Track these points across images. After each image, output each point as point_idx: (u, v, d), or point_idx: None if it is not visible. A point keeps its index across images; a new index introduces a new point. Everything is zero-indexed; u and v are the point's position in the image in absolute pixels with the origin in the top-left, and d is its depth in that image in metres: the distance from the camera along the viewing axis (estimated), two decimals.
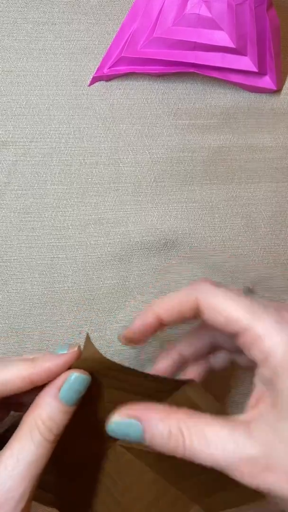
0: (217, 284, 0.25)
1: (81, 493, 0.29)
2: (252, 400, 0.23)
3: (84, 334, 0.36)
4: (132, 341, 0.26)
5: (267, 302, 0.24)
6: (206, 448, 0.21)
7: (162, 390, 0.26)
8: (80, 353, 0.25)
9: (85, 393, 0.25)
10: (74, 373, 0.24)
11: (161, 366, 0.29)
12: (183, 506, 0.28)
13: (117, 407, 0.24)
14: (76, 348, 0.25)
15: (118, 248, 0.36)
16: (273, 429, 0.21)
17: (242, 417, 0.22)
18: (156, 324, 0.25)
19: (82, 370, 0.25)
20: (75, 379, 0.24)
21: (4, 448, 0.23)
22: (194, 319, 0.25)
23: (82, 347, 0.25)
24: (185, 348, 0.29)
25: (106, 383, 0.26)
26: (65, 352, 0.25)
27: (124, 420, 0.23)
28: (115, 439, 0.26)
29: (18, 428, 0.24)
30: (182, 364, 0.29)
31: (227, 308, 0.23)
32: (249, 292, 0.26)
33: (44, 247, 0.36)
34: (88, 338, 0.25)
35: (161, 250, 0.37)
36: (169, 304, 0.25)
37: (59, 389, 0.24)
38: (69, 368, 0.25)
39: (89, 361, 0.25)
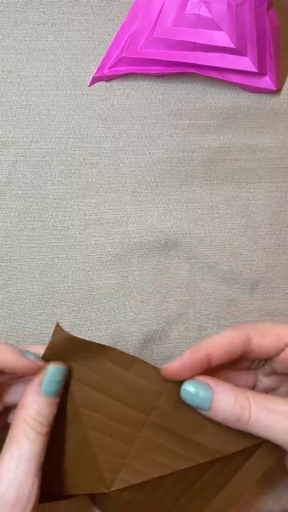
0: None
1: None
2: None
3: (84, 334, 0.36)
4: (175, 376, 0.26)
5: None
6: (268, 421, 0.24)
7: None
8: (39, 368, 0.26)
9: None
10: (50, 365, 0.26)
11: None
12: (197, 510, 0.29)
13: (96, 390, 0.26)
14: (40, 363, 0.26)
15: (118, 248, 0.36)
16: None
17: None
18: (203, 365, 0.26)
19: (58, 362, 0.26)
20: (54, 371, 0.26)
21: (2, 451, 0.25)
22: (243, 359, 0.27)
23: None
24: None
25: (81, 364, 0.27)
26: (32, 359, 0.26)
27: (196, 383, 0.25)
28: (110, 483, 0.28)
29: (10, 430, 0.25)
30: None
31: (277, 329, 0.25)
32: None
33: (44, 247, 0.36)
34: (57, 325, 0.26)
35: (161, 250, 0.37)
36: (221, 343, 0.26)
37: (39, 385, 0.26)
38: (43, 358, 0.26)
39: (61, 345, 0.26)
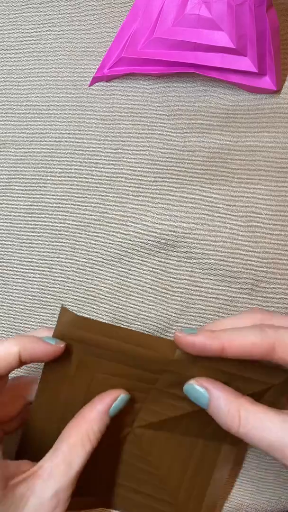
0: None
1: (111, 480, 0.32)
2: None
3: None
4: (184, 348, 0.27)
5: None
6: (259, 432, 0.24)
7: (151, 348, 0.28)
8: (63, 350, 0.27)
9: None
10: (122, 394, 0.28)
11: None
12: (214, 449, 0.31)
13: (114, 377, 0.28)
14: (62, 345, 0.27)
15: (118, 248, 0.36)
16: None
17: None
18: (214, 354, 0.26)
19: (125, 391, 0.28)
20: (123, 398, 0.28)
21: (53, 453, 0.26)
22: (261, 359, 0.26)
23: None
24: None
25: (90, 342, 0.28)
26: (53, 343, 0.27)
27: (196, 387, 0.27)
28: (131, 424, 0.30)
29: (66, 437, 0.27)
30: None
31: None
32: None
33: (45, 247, 0.36)
34: (63, 308, 0.27)
35: (161, 250, 0.37)
36: (240, 343, 0.25)
37: (109, 407, 0.27)
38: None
39: (69, 326, 0.27)
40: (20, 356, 0.26)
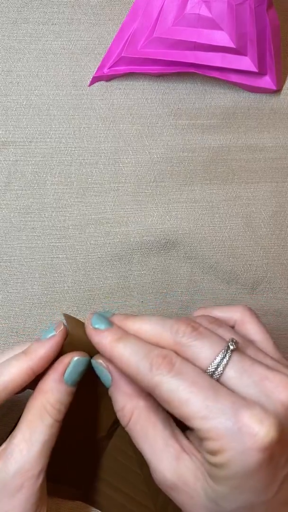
0: (177, 367, 0.22)
1: (94, 474, 0.31)
2: (196, 441, 0.24)
3: None
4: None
5: (227, 397, 0.21)
6: (141, 441, 0.24)
7: None
8: (66, 330, 0.26)
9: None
10: (75, 356, 0.26)
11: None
12: None
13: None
14: (62, 327, 0.26)
15: (118, 248, 0.36)
16: (195, 476, 0.22)
17: (184, 441, 0.24)
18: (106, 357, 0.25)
19: (81, 352, 0.26)
20: (78, 362, 0.26)
21: (14, 433, 0.25)
22: None
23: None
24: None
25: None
26: (53, 333, 0.26)
27: (100, 367, 0.26)
28: None
29: (25, 413, 0.26)
30: None
31: (181, 403, 0.21)
32: (228, 351, 0.23)
33: (44, 247, 0.36)
34: (67, 316, 0.26)
35: (161, 250, 0.37)
36: (125, 365, 0.23)
37: (63, 374, 0.26)
38: (62, 347, 0.26)
39: (77, 335, 0.26)
40: (32, 370, 0.25)
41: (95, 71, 0.36)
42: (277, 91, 0.37)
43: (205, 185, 0.37)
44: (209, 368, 0.22)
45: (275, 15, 0.35)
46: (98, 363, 0.26)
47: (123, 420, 0.25)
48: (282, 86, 0.38)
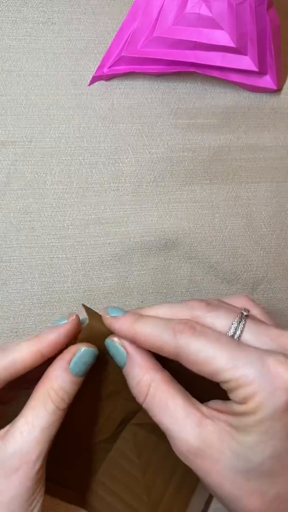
0: (199, 330, 0.24)
1: (93, 476, 0.31)
2: (218, 405, 0.24)
3: None
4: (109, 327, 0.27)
5: (263, 331, 0.24)
6: (161, 414, 0.24)
7: None
8: (78, 319, 0.27)
9: (94, 368, 0.27)
10: (82, 347, 0.26)
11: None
12: None
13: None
14: (74, 316, 0.27)
15: (118, 248, 0.36)
16: (219, 436, 0.23)
17: (203, 408, 0.24)
18: (128, 338, 0.26)
19: (89, 344, 0.27)
20: (84, 352, 0.26)
21: (17, 417, 0.25)
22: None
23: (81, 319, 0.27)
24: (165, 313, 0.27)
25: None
26: (65, 321, 0.27)
27: (116, 345, 0.26)
28: (128, 420, 0.30)
29: (30, 399, 0.26)
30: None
31: (208, 359, 0.23)
32: (243, 317, 0.25)
33: (44, 247, 0.36)
34: (87, 308, 0.26)
35: (161, 250, 0.37)
36: (148, 340, 0.24)
37: (69, 362, 0.26)
38: (75, 338, 0.27)
39: (95, 327, 0.26)
40: (41, 353, 0.26)
41: (95, 71, 0.36)
42: (278, 90, 0.37)
43: (205, 185, 0.37)
44: (228, 334, 0.24)
45: (275, 15, 0.35)
46: (113, 341, 0.26)
47: (139, 396, 0.25)
48: (283, 86, 0.38)
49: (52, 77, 0.36)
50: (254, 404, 0.22)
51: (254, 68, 0.35)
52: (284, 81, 0.38)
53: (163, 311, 0.26)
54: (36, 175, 0.36)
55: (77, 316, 0.27)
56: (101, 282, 0.36)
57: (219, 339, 0.23)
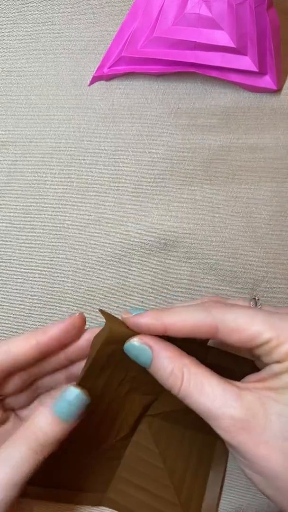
0: (227, 304, 0.25)
1: (113, 474, 0.31)
2: (251, 378, 0.25)
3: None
4: (133, 328, 0.26)
5: (278, 311, 0.26)
6: (198, 396, 0.23)
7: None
8: (83, 318, 0.27)
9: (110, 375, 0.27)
10: (70, 387, 0.25)
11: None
12: (210, 445, 0.32)
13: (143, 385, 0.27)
14: (77, 314, 0.27)
15: (118, 248, 0.36)
16: (261, 403, 0.23)
17: (237, 383, 0.24)
18: (159, 333, 0.25)
19: (80, 387, 0.25)
20: (69, 393, 0.24)
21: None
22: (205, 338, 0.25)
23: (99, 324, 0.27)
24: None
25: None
26: (67, 318, 0.27)
27: (140, 345, 0.25)
28: (144, 412, 0.30)
29: (15, 432, 0.24)
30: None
31: (244, 326, 0.24)
32: (256, 302, 0.27)
33: (44, 247, 0.36)
34: (104, 312, 0.26)
35: (161, 250, 0.37)
36: (182, 323, 0.25)
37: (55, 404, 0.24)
38: (78, 336, 0.27)
39: (114, 330, 0.26)
40: (37, 341, 0.26)
41: (95, 71, 0.36)
42: (277, 90, 0.37)
43: (205, 185, 0.37)
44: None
45: (275, 15, 0.35)
46: (134, 341, 0.25)
47: (175, 385, 0.24)
48: (282, 86, 0.38)
49: (52, 77, 0.36)
50: None
51: (254, 68, 0.35)
52: (284, 81, 0.38)
53: (185, 318, 0.25)
54: (36, 175, 0.36)
55: (81, 314, 0.27)
56: (101, 282, 0.36)
57: (250, 308, 0.25)
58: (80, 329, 0.27)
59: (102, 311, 0.26)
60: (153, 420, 0.31)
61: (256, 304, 0.26)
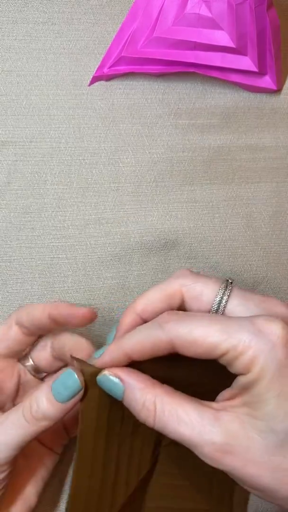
0: (183, 314, 0.24)
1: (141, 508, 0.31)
2: (225, 394, 0.24)
3: (83, 334, 0.36)
4: (104, 367, 0.26)
5: (248, 297, 0.25)
6: (176, 425, 0.23)
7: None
8: (92, 314, 0.28)
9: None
10: (68, 369, 0.26)
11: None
12: None
13: None
14: (88, 309, 0.28)
15: (118, 248, 0.36)
16: (240, 422, 0.22)
17: (213, 404, 0.24)
18: (125, 361, 0.25)
19: (78, 372, 0.26)
20: (66, 376, 0.25)
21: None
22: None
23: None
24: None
25: None
26: (79, 307, 0.28)
27: (110, 377, 0.25)
28: (159, 442, 0.29)
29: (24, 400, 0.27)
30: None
31: (202, 338, 0.23)
32: (227, 285, 0.26)
33: (44, 247, 0.36)
34: (75, 358, 0.26)
35: (161, 250, 0.37)
36: (141, 346, 0.24)
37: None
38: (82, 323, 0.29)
39: (87, 372, 0.26)
40: (49, 313, 0.28)
41: (95, 71, 0.36)
42: (277, 91, 0.37)
43: (205, 185, 0.37)
44: (215, 299, 0.25)
45: (275, 15, 0.35)
46: (104, 375, 0.25)
47: (148, 417, 0.24)
48: (282, 86, 0.38)
49: (52, 77, 0.36)
50: (258, 367, 0.22)
51: (254, 69, 0.35)
52: (284, 81, 0.38)
53: (152, 293, 0.26)
54: (36, 175, 0.36)
55: (92, 309, 0.28)
56: (101, 282, 0.36)
57: (204, 316, 0.24)
58: (86, 321, 0.28)
59: (73, 357, 0.26)
60: (170, 448, 0.30)
61: (226, 287, 0.25)
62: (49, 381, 0.26)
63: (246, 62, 0.35)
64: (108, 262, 0.36)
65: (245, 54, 0.35)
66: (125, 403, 0.25)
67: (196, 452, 0.23)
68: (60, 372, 0.26)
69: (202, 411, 0.23)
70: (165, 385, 0.24)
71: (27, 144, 0.36)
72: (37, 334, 0.31)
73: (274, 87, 0.37)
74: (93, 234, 0.36)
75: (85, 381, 0.25)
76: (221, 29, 0.34)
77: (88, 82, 0.37)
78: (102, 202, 0.37)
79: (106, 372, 0.25)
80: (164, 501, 0.31)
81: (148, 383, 0.24)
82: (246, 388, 0.22)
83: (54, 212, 0.36)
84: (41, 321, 0.29)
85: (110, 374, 0.25)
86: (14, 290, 0.36)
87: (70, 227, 0.36)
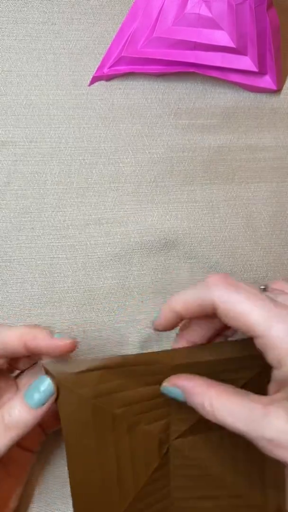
0: (234, 284, 0.25)
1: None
2: (271, 387, 0.25)
3: (83, 334, 0.36)
4: (160, 330, 0.28)
5: (284, 304, 0.25)
6: (232, 422, 0.24)
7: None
8: (73, 345, 0.27)
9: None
10: (41, 376, 0.27)
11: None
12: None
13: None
14: (70, 340, 0.27)
15: (118, 248, 0.36)
16: (286, 415, 0.23)
17: (263, 399, 0.25)
18: (176, 318, 0.27)
19: (49, 376, 0.27)
20: (38, 380, 0.27)
21: None
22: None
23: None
24: (192, 335, 0.29)
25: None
26: (60, 338, 0.27)
27: (170, 387, 0.27)
28: (167, 440, 0.30)
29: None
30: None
31: (244, 313, 0.24)
32: (264, 291, 0.26)
33: (44, 247, 0.36)
34: (47, 366, 0.27)
35: (161, 250, 0.37)
36: (186, 303, 0.26)
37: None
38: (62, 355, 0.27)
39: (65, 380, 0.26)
40: (25, 342, 0.27)
41: (95, 71, 0.36)
42: (277, 91, 0.37)
43: (205, 185, 0.37)
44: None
45: (275, 15, 0.35)
46: (165, 387, 0.27)
47: (209, 416, 0.25)
48: (282, 86, 0.38)
49: (52, 77, 0.36)
50: None
51: (254, 69, 0.35)
52: (284, 81, 0.38)
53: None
54: (36, 175, 0.36)
55: (74, 341, 0.27)
56: (101, 282, 0.36)
57: (251, 293, 0.24)
58: (67, 353, 0.27)
59: (44, 367, 0.27)
60: (183, 441, 0.30)
61: (263, 289, 0.27)
62: (21, 391, 0.27)
63: (246, 62, 0.35)
64: (108, 262, 0.36)
65: (245, 54, 0.35)
66: (189, 404, 0.26)
67: (253, 442, 0.24)
68: (32, 379, 0.27)
69: (252, 408, 0.24)
70: (219, 385, 0.26)
71: (27, 144, 0.36)
72: (9, 358, 0.29)
73: (274, 87, 0.37)
74: (93, 234, 0.36)
75: (57, 383, 0.26)
76: (221, 29, 0.34)
77: (88, 82, 0.37)
78: (102, 202, 0.37)
79: (165, 384, 0.27)
80: (190, 491, 0.31)
81: (204, 386, 0.26)
82: (283, 383, 0.24)
83: (54, 212, 0.36)
84: (15, 350, 0.27)
85: (169, 385, 0.27)
86: (14, 290, 0.36)
87: (70, 227, 0.36)
